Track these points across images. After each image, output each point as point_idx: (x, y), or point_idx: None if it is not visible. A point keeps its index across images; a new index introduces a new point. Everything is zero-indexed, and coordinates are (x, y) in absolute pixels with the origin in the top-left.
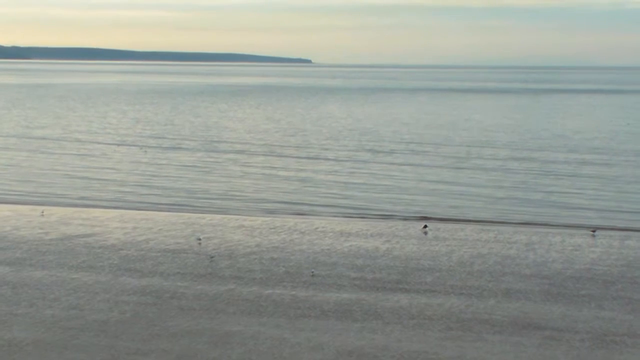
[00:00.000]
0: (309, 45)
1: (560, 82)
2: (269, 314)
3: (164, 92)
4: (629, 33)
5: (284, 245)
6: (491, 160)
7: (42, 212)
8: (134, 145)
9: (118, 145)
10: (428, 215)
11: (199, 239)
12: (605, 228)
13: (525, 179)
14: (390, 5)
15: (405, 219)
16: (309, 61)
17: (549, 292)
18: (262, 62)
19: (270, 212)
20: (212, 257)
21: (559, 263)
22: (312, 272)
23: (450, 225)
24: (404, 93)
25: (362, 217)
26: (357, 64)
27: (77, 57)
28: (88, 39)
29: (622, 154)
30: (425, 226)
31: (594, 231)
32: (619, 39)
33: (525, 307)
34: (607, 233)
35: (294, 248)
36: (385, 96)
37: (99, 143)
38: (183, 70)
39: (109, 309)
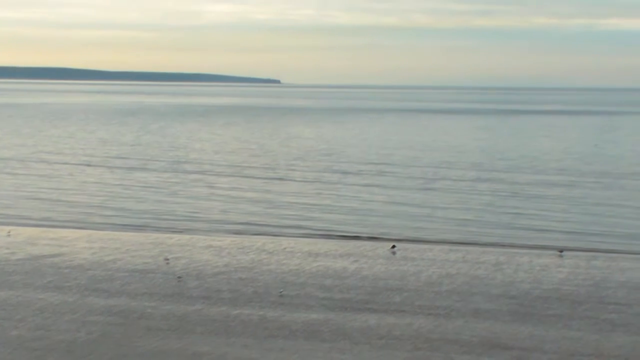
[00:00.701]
0: (278, 66)
1: (530, 103)
2: (237, 334)
3: (134, 112)
4: (599, 55)
5: (252, 265)
6: (459, 181)
7: (9, 232)
8: (101, 166)
9: (87, 165)
10: (396, 237)
11: (167, 259)
12: (572, 249)
13: (492, 200)
14: (359, 26)
15: (373, 239)
16: (277, 81)
17: (517, 312)
18: (232, 82)
19: (236, 233)
20: (180, 277)
21: (527, 283)
22: (281, 292)
23: (418, 246)
24: (373, 113)
25: (331, 237)
26: (327, 84)
27: (49, 77)
28: (61, 58)
29: (589, 175)
30: (394, 246)
31: (561, 252)
32: (588, 61)
33: (494, 327)
34: (574, 254)
35: (263, 268)
36: (354, 117)
37: (65, 163)
38: (154, 90)
39: (76, 329)
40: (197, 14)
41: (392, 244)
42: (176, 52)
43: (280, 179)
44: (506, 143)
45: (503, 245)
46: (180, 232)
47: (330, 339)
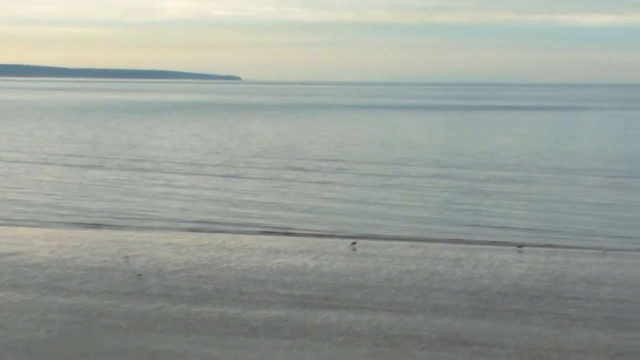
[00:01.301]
0: (238, 62)
1: (490, 98)
2: (198, 331)
3: (93, 109)
4: (560, 51)
5: (212, 262)
6: (418, 177)
7: None
8: (59, 164)
9: (44, 163)
10: (356, 233)
11: (127, 257)
12: (531, 245)
13: (451, 197)
14: (319, 22)
15: (333, 236)
16: (238, 78)
17: (477, 307)
18: (192, 79)
19: (196, 230)
20: (139, 275)
21: (487, 279)
22: (241, 289)
23: (378, 242)
24: (333, 110)
25: (291, 234)
26: (287, 81)
27: (8, 74)
28: (20, 55)
29: (547, 172)
30: (354, 243)
31: (520, 247)
32: (550, 56)
33: (454, 322)
34: (533, 249)
35: (223, 265)
36: (314, 113)
37: (22, 162)
38: (113, 87)
39: (34, 328)
40: (157, 11)
41: (352, 240)
42: (136, 48)
43: (239, 176)
44: (466, 139)
45: (463, 242)
46: (140, 229)
47: (291, 335)
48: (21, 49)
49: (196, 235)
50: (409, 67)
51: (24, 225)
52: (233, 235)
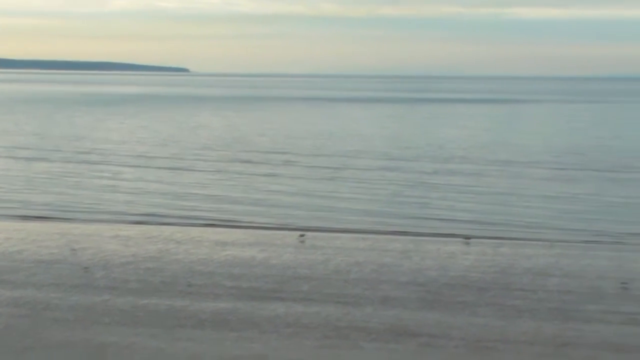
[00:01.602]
0: (186, 54)
1: (438, 91)
2: (145, 324)
3: (39, 101)
4: (507, 44)
5: (160, 254)
6: (366, 170)
7: None
8: (3, 157)
9: None
10: (304, 226)
11: (73, 249)
12: (478, 237)
13: (400, 189)
14: (268, 14)
15: (282, 228)
16: (186, 70)
17: (425, 299)
18: (139, 71)
19: (143, 223)
20: (86, 268)
21: (434, 270)
22: (189, 282)
23: (326, 234)
24: (281, 102)
25: (239, 226)
26: (236, 73)
27: None
28: None
29: (495, 164)
30: (302, 235)
31: (468, 239)
32: (496, 49)
33: (401, 314)
34: (480, 241)
35: (170, 257)
36: (263, 105)
37: None
38: (59, 79)
39: None
40: (102, 2)
41: (300, 232)
42: (82, 40)
43: (187, 168)
44: (413, 131)
45: (411, 234)
46: (87, 222)
47: (239, 328)
48: None
49: (143, 228)
50: (357, 59)
51: None
52: (181, 227)
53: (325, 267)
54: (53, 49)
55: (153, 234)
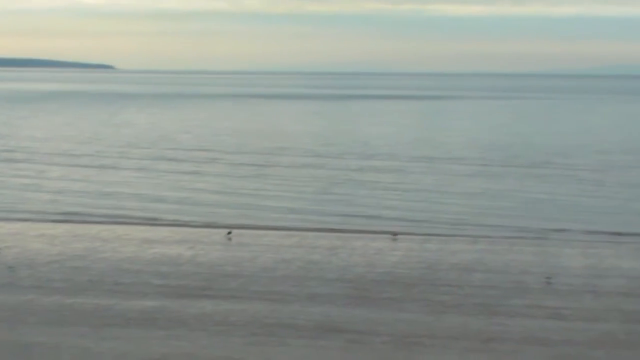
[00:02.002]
0: (111, 51)
1: (362, 88)
2: (72, 323)
3: None
4: (431, 40)
5: (86, 253)
6: (293, 167)
7: None
8: None
9: None
10: (231, 223)
11: None
12: (405, 233)
13: (326, 186)
14: (194, 11)
15: (209, 226)
16: (111, 67)
17: (352, 295)
18: (63, 68)
19: (67, 222)
20: (11, 267)
21: (362, 267)
22: (116, 280)
23: (253, 232)
24: (206, 99)
25: (166, 224)
26: (162, 70)
27: None
28: None
29: (420, 161)
30: (229, 232)
31: (395, 235)
32: (421, 46)
33: (329, 311)
34: (407, 237)
35: (97, 256)
36: (187, 102)
37: None
38: None
39: None
40: None
41: (227, 230)
42: (5, 36)
43: (112, 166)
44: (339, 128)
45: (338, 230)
46: (11, 221)
47: (167, 326)
48: None
49: (69, 226)
50: (283, 56)
51: None
52: (107, 226)
53: (253, 264)
54: None
55: (79, 232)
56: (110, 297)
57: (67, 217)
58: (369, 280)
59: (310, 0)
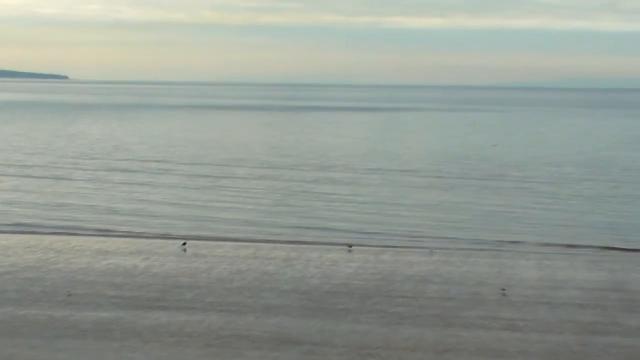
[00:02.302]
0: (65, 61)
1: (318, 99)
2: (24, 335)
3: None
4: (388, 52)
5: (39, 264)
6: (248, 179)
7: None
8: None
9: None
10: (186, 235)
11: None
12: (361, 245)
13: (281, 198)
14: (148, 22)
15: (164, 237)
16: (65, 77)
17: (308, 307)
18: (16, 78)
19: (20, 233)
20: None
21: (317, 279)
22: (69, 291)
23: (209, 243)
24: (162, 110)
25: (120, 235)
26: (116, 81)
27: None
28: None
29: (376, 173)
30: (184, 244)
31: (350, 247)
32: (378, 58)
33: (285, 322)
34: (363, 249)
35: (50, 267)
36: (143, 113)
37: None
38: None
39: None
40: None
41: (183, 241)
42: None
43: (65, 178)
44: (295, 140)
45: (294, 242)
46: None
47: (121, 338)
48: None
49: (22, 237)
50: (239, 67)
51: None
52: (61, 237)
53: (208, 275)
54: None
55: (32, 243)
56: (63, 308)
57: (19, 229)
58: (325, 291)
59: (267, 12)
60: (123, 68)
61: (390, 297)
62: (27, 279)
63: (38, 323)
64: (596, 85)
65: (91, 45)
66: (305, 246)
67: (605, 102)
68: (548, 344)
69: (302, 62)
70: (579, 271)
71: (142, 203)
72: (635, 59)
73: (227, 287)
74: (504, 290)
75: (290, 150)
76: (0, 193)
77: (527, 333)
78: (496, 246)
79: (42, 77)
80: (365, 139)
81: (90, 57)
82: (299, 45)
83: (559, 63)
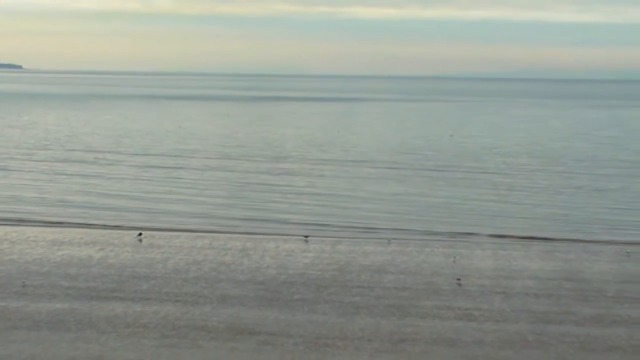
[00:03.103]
0: (19, 50)
1: (278, 89)
2: None
3: None
4: (342, 43)
5: None
6: (202, 170)
7: None
8: None
9: None
10: (141, 225)
11: None
12: (317, 235)
13: (236, 189)
14: (104, 11)
15: (119, 227)
16: (19, 67)
17: (264, 297)
18: None
19: None
20: None
21: (273, 269)
22: (23, 282)
23: (165, 233)
24: (117, 100)
25: (75, 225)
26: (72, 70)
27: None
28: None
29: (330, 163)
30: (140, 234)
31: (306, 237)
32: (332, 48)
33: (241, 312)
34: (319, 239)
35: (4, 258)
36: (98, 103)
37: None
38: None
39: None
40: None
41: (138, 231)
42: None
43: (17, 169)
44: (249, 130)
45: (249, 234)
46: None
47: (76, 328)
48: None
49: None
50: (194, 57)
51: None
52: (15, 227)
53: (164, 266)
54: None
55: None
56: (18, 299)
57: None
58: (281, 281)
59: (222, 2)
60: (79, 58)
61: (346, 287)
62: None
63: None
64: (553, 76)
65: (46, 34)
66: (261, 236)
67: (561, 92)
68: (503, 333)
69: (260, 52)
70: (534, 261)
71: (95, 194)
72: (591, 50)
73: (183, 278)
74: (459, 279)
75: (246, 141)
76: None
77: (482, 322)
78: (451, 236)
79: None
80: (320, 129)
81: (45, 47)
82: (256, 35)
83: (516, 53)
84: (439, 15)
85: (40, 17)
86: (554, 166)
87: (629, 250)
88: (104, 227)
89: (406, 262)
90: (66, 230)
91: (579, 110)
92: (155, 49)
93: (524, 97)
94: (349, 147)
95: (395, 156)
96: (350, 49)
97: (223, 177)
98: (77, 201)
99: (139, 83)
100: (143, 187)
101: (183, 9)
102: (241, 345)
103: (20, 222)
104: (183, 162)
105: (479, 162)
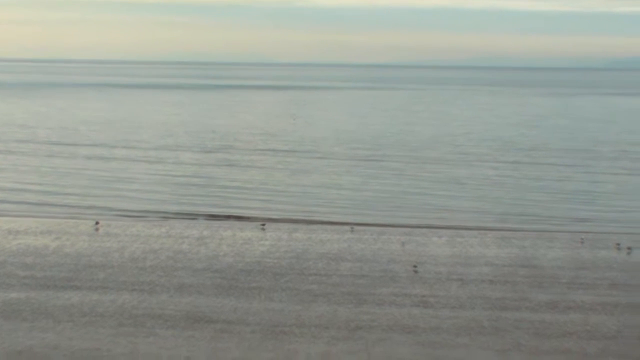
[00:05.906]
0: None
1: (232, 78)
2: None
3: None
4: (298, 31)
5: None
6: (150, 162)
7: None
8: None
9: None
10: (97, 214)
11: None
12: (275, 221)
13: (189, 180)
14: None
15: (75, 217)
16: None
17: (221, 285)
18: None
19: None
20: None
21: (230, 257)
22: None
23: (121, 222)
24: (72, 88)
25: (31, 215)
26: (25, 59)
27: None
28: None
29: (284, 153)
30: (97, 222)
31: (263, 224)
32: (288, 36)
33: (198, 301)
34: (276, 226)
35: None
36: (51, 92)
37: None
38: None
39: None
40: None
41: (95, 220)
42: None
43: None
44: (204, 118)
45: (207, 218)
46: None
47: (32, 318)
48: None
49: None
50: (153, 45)
51: None
52: None
53: (121, 254)
54: None
55: None
56: None
57: None
58: (238, 270)
59: None
60: (33, 45)
61: (303, 274)
62: None
63: None
64: (508, 64)
65: (1, 23)
66: (218, 223)
67: (516, 80)
68: (459, 320)
69: (216, 40)
70: (490, 248)
71: (48, 184)
72: (546, 38)
73: (139, 266)
74: (415, 267)
75: (196, 127)
76: None
77: (438, 309)
78: (407, 223)
79: None
80: (277, 116)
81: (1, 35)
82: (213, 24)
83: (471, 42)
84: (396, 3)
85: None
86: (505, 155)
87: (582, 237)
88: (60, 216)
89: (363, 249)
90: (21, 219)
91: (533, 97)
92: (114, 37)
93: (479, 85)
94: (303, 136)
95: (350, 144)
96: (307, 37)
97: (185, 161)
98: (32, 190)
99: (96, 71)
100: (94, 174)
101: None
102: (198, 334)
103: None
104: (131, 154)
105: (433, 151)
